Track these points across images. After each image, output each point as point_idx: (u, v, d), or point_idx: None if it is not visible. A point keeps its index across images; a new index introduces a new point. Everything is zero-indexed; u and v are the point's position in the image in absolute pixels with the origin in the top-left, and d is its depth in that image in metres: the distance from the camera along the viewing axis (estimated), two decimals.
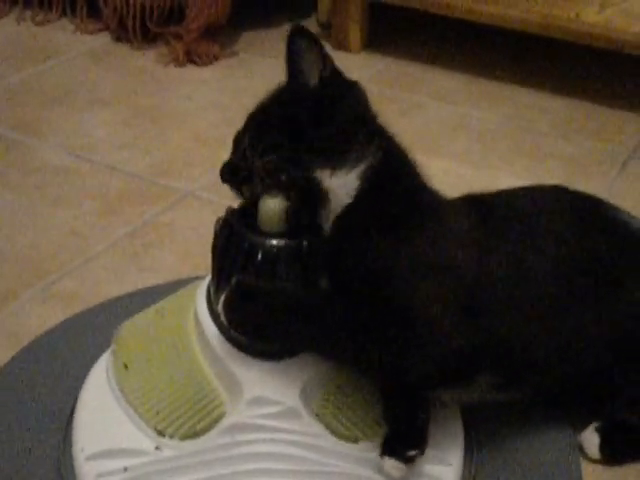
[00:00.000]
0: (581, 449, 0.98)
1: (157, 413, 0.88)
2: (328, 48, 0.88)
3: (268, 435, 0.86)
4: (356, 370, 0.89)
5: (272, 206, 0.85)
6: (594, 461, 0.97)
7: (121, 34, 1.93)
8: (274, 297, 0.84)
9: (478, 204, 0.91)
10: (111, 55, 1.89)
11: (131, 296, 1.17)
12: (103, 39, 1.95)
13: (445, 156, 1.56)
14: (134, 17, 1.89)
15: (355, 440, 0.88)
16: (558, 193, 0.96)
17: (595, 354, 0.91)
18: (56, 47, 1.91)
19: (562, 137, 1.64)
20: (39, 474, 0.91)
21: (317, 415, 0.88)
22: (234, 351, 0.88)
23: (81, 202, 1.39)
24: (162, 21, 1.89)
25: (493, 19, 1.75)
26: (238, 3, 1.90)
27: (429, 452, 0.87)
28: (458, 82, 1.82)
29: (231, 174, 0.87)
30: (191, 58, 1.85)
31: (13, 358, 1.06)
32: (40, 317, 1.14)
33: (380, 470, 0.86)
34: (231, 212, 0.90)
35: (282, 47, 0.86)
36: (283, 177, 0.84)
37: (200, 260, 1.21)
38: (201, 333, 0.91)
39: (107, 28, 1.95)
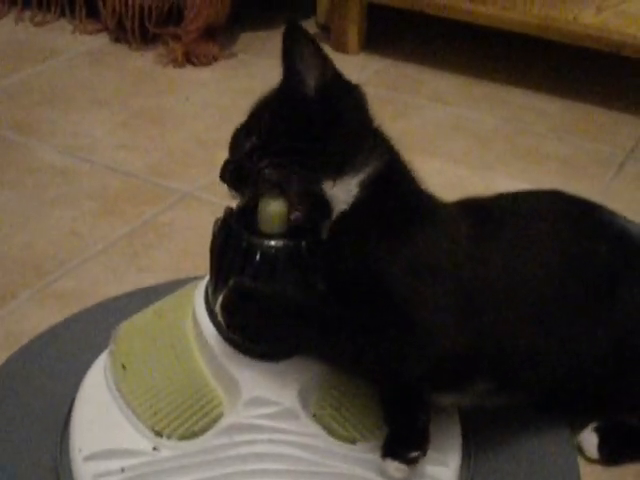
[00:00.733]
0: (580, 449, 0.98)
1: (155, 413, 0.88)
2: (327, 49, 0.88)
3: (266, 436, 0.86)
4: (354, 372, 0.88)
5: (273, 207, 0.85)
6: (593, 461, 0.97)
7: (120, 35, 1.92)
8: (272, 298, 0.84)
9: (475, 208, 0.91)
10: (110, 56, 1.89)
11: (129, 296, 1.17)
12: (102, 40, 1.95)
13: (442, 157, 1.56)
14: (133, 18, 1.89)
15: (353, 441, 0.88)
16: (555, 198, 0.96)
17: (592, 357, 0.91)
18: (55, 48, 1.90)
19: (559, 139, 1.64)
20: (37, 474, 0.91)
21: (315, 416, 0.88)
22: (232, 352, 0.88)
23: (80, 202, 1.39)
24: (161, 22, 1.89)
25: (491, 21, 1.75)
26: (237, 4, 1.90)
27: (428, 453, 0.86)
28: (456, 84, 1.83)
29: (232, 175, 0.87)
30: (190, 59, 1.85)
31: (11, 358, 1.06)
32: (38, 317, 1.14)
33: (382, 472, 0.85)
34: (230, 213, 0.89)
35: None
36: (291, 190, 0.84)
37: (198, 260, 1.21)
38: (199, 334, 0.90)
39: (106, 29, 1.95)
